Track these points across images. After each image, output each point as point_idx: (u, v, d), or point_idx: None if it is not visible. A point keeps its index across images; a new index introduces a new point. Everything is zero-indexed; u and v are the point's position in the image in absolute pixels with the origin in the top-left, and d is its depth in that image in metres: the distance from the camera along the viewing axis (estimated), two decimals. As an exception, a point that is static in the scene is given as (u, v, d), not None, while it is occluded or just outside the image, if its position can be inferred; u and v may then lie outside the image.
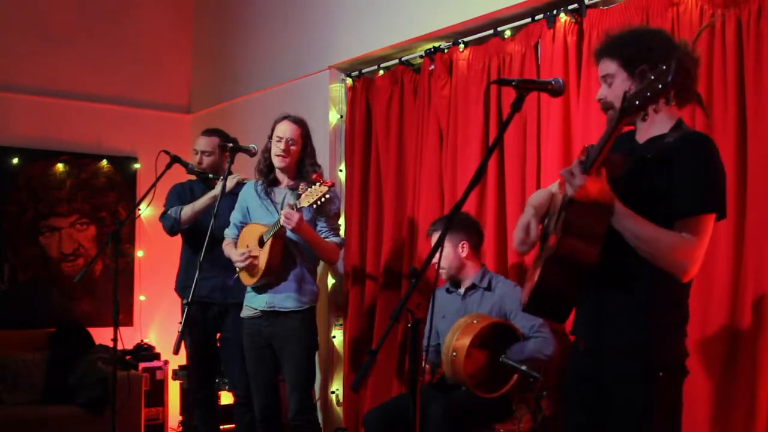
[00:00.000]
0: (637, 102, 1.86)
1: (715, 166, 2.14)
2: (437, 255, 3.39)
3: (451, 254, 3.54)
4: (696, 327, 2.96)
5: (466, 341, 3.21)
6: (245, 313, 3.83)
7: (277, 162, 3.73)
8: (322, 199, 3.39)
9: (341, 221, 4.71)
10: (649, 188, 2.14)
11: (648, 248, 2.09)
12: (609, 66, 2.22)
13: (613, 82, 2.21)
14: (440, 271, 3.54)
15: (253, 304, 3.77)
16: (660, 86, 1.81)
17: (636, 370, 2.14)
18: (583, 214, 2.08)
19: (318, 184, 3.40)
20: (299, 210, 3.47)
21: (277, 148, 3.71)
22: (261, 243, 3.66)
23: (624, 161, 2.14)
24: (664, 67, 1.81)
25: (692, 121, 3.06)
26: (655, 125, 2.20)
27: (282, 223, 3.50)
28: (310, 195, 3.41)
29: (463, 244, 3.57)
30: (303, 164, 3.75)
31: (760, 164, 2.93)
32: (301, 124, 3.77)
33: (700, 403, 2.99)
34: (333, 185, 3.45)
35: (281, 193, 3.79)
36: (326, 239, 3.73)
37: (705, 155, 2.13)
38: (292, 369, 3.68)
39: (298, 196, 3.49)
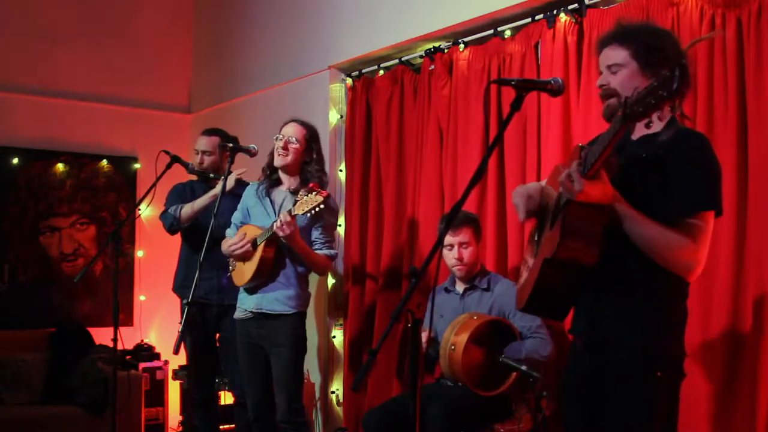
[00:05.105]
0: (640, 109, 1.81)
1: (710, 163, 2.13)
2: (448, 252, 3.49)
3: (474, 252, 3.57)
4: (697, 328, 2.96)
5: (464, 336, 3.22)
6: (237, 314, 3.84)
7: (276, 160, 3.72)
8: (317, 209, 3.37)
9: (341, 221, 4.72)
10: (644, 188, 2.14)
11: (653, 248, 2.08)
12: (618, 54, 2.18)
13: (619, 71, 2.18)
14: (460, 267, 3.55)
15: (244, 305, 3.78)
16: (664, 94, 1.76)
17: (634, 369, 2.14)
18: (582, 217, 2.07)
19: (314, 193, 3.38)
20: (294, 216, 3.45)
21: (276, 146, 3.72)
22: (254, 245, 3.67)
23: (618, 160, 2.12)
24: (668, 74, 1.75)
25: (693, 118, 3.06)
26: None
27: (275, 229, 3.50)
28: (305, 203, 3.39)
29: (480, 243, 3.64)
30: (307, 168, 3.71)
31: (761, 164, 2.93)
32: (306, 126, 3.76)
33: (700, 404, 2.99)
34: (328, 195, 3.42)
35: (281, 194, 3.78)
36: (319, 251, 3.71)
37: (700, 153, 2.12)
38: (280, 371, 3.68)
39: (296, 202, 3.46)
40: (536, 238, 2.40)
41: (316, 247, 3.72)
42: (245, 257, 3.70)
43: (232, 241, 3.74)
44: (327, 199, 3.42)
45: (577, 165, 2.05)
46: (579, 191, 2.02)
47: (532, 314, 3.10)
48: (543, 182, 2.50)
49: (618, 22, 2.27)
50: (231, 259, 3.82)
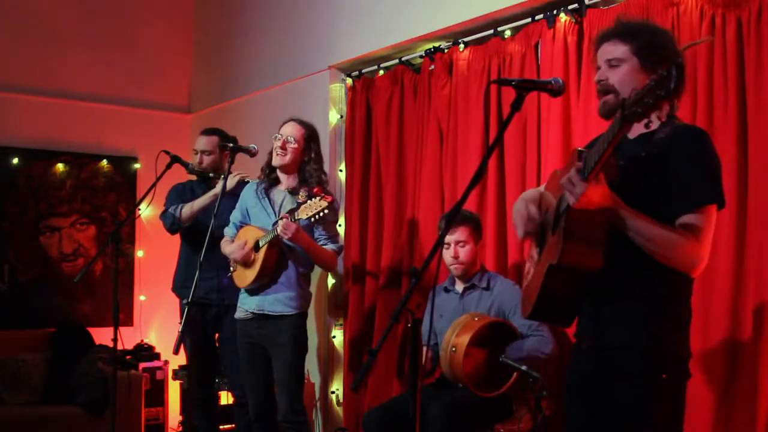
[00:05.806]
0: (639, 110, 1.80)
1: (710, 156, 2.13)
2: (445, 251, 3.50)
3: (472, 251, 3.56)
4: (697, 329, 2.95)
5: (465, 338, 3.22)
6: (238, 314, 3.84)
7: (274, 160, 3.73)
8: (321, 214, 3.37)
9: (341, 221, 4.72)
10: (645, 187, 2.13)
11: (656, 248, 2.07)
12: (618, 49, 2.18)
13: (619, 66, 2.17)
14: (457, 266, 3.55)
15: (245, 305, 3.79)
16: (662, 93, 1.75)
17: (639, 370, 2.13)
18: (584, 221, 2.06)
19: (318, 198, 3.37)
20: (296, 221, 3.46)
21: (275, 146, 3.72)
22: (257, 248, 3.67)
23: (616, 160, 2.11)
24: (665, 74, 1.74)
25: (692, 118, 3.06)
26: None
27: (279, 233, 3.50)
28: (309, 208, 3.38)
29: (480, 242, 3.63)
30: (305, 167, 3.72)
31: (761, 165, 2.93)
32: (305, 126, 3.77)
33: (701, 405, 2.98)
34: (333, 200, 3.42)
35: (280, 194, 3.78)
36: (324, 246, 3.72)
37: (698, 147, 2.12)
38: (281, 370, 3.69)
39: (298, 205, 3.45)
40: (538, 245, 2.39)
41: (321, 243, 3.73)
42: (246, 262, 3.71)
43: (230, 248, 3.75)
44: (331, 204, 3.42)
45: (576, 169, 2.04)
46: (581, 194, 2.01)
47: (538, 321, 3.09)
48: (541, 188, 2.49)
49: (618, 19, 2.26)
50: (232, 260, 3.82)
